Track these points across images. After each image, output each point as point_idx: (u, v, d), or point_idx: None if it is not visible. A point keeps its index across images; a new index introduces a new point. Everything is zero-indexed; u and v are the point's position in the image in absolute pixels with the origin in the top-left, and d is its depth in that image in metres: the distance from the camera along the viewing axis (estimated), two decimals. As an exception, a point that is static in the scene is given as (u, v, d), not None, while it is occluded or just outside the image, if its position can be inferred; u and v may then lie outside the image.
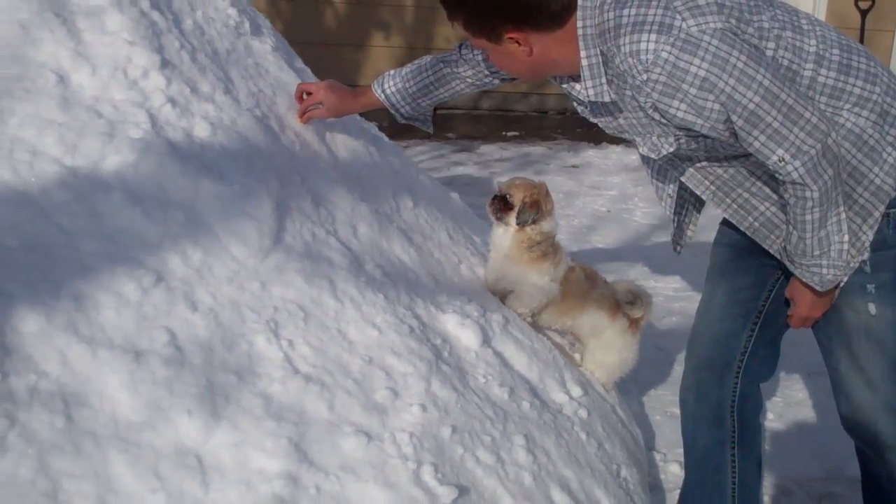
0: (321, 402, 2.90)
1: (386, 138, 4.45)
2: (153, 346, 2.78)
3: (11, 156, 2.98)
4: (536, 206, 3.88)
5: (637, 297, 4.18)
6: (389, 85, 3.75)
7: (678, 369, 5.22)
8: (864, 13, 11.22)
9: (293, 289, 3.16)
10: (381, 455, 2.86)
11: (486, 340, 3.53)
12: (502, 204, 3.91)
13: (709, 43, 2.81)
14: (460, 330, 3.49)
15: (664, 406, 4.90)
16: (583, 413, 3.64)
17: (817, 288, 3.20)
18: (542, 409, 3.46)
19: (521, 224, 3.87)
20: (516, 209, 3.88)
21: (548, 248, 3.95)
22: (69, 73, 3.25)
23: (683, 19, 2.83)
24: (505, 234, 3.93)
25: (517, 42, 3.02)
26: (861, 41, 11.17)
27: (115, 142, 3.13)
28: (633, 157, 9.69)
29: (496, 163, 9.35)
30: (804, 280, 3.20)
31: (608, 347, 4.15)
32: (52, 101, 3.15)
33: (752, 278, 3.56)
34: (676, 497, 3.96)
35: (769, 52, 2.97)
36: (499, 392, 3.37)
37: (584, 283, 4.10)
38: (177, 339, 2.83)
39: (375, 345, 3.17)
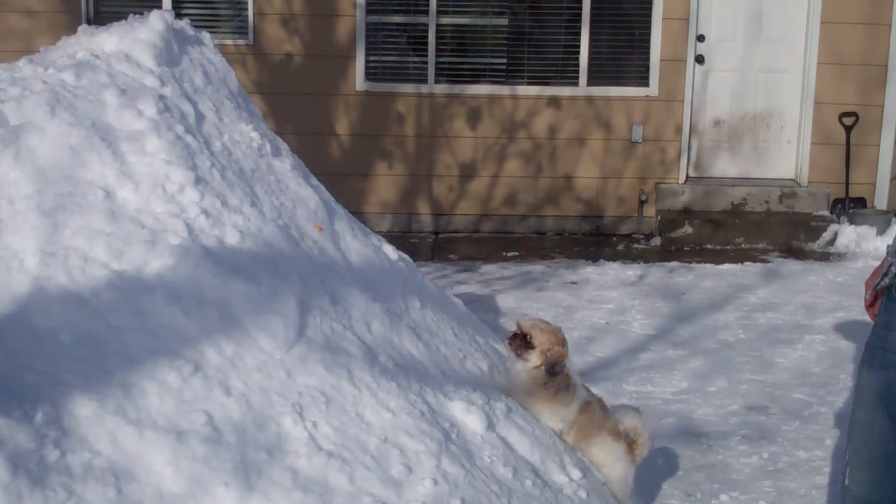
0: (343, 475, 3.21)
1: (393, 248, 4.76)
2: (193, 427, 3.10)
3: (66, 262, 3.33)
4: (561, 359, 4.15)
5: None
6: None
7: (676, 466, 5.47)
8: (848, 129, 11.51)
9: (315, 377, 3.47)
10: (397, 523, 3.17)
11: (490, 425, 3.81)
12: (523, 342, 4.16)
13: None
14: (466, 415, 3.78)
15: (663, 499, 5.08)
16: (582, 494, 3.88)
17: None
18: (543, 488, 3.72)
19: (554, 375, 4.14)
20: (537, 350, 4.13)
21: (560, 385, 4.20)
22: (115, 189, 3.62)
23: None
24: (523, 370, 4.20)
25: None
26: (847, 155, 11.49)
27: (157, 248, 3.48)
28: (629, 273, 9.97)
29: (497, 281, 9.62)
30: None
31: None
32: (100, 214, 3.51)
33: None
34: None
35: None
36: (503, 471, 3.65)
37: (597, 415, 4.34)
38: (213, 420, 3.15)
39: (390, 426, 3.47)
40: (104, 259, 3.39)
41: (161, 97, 3.98)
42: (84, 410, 2.98)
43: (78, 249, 3.38)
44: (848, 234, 10.95)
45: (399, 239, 10.05)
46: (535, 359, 4.15)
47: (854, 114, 11.51)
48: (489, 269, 10.12)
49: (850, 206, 11.41)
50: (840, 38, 11.56)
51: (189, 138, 3.91)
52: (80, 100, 3.82)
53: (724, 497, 5.10)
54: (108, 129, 3.78)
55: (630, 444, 4.38)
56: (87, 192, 3.56)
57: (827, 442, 5.78)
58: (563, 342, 4.22)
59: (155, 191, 3.66)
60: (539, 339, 4.17)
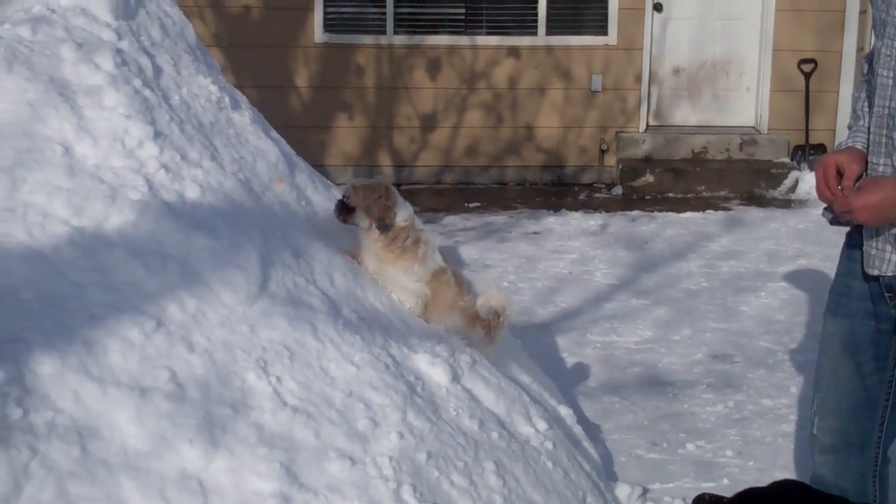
0: (308, 430, 3.19)
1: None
2: (156, 384, 3.07)
3: (25, 219, 3.28)
4: (386, 211, 4.06)
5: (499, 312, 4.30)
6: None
7: (641, 415, 5.51)
8: (807, 76, 11.56)
9: (279, 331, 3.45)
10: (364, 476, 3.15)
11: (455, 378, 3.81)
12: (342, 206, 4.11)
13: None
14: (431, 368, 3.77)
15: (629, 448, 5.13)
16: (549, 445, 3.90)
17: None
18: (510, 440, 3.73)
19: (384, 230, 4.06)
20: (359, 211, 4.06)
21: (407, 242, 4.12)
22: (73, 144, 3.56)
23: None
24: (365, 238, 4.13)
25: None
26: (806, 102, 11.54)
27: (117, 204, 3.43)
28: (591, 223, 10.00)
29: (460, 232, 9.63)
30: None
31: None
32: (59, 170, 3.46)
33: (874, 349, 3.49)
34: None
35: None
36: (469, 424, 3.65)
37: (453, 288, 4.23)
38: (177, 377, 3.12)
39: (355, 380, 3.46)
40: (64, 215, 3.34)
41: (118, 51, 3.92)
42: (46, 368, 2.94)
43: (37, 206, 3.33)
44: (809, 181, 11.03)
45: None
46: (361, 220, 4.09)
47: (813, 60, 11.55)
48: (451, 221, 10.14)
49: (811, 152, 11.48)
50: (798, -15, 11.60)
51: (147, 92, 3.86)
52: (36, 55, 3.76)
53: (690, 446, 5.14)
54: (66, 84, 3.71)
55: (488, 325, 4.28)
56: (45, 148, 3.50)
57: (792, 389, 5.84)
58: (386, 194, 4.09)
59: (114, 145, 3.61)
60: (355, 198, 4.08)
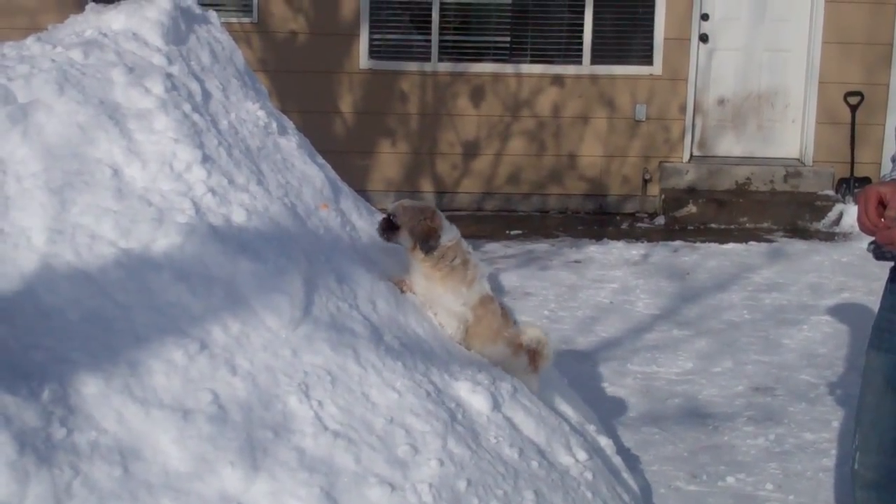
0: (349, 455, 3.20)
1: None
2: (199, 406, 3.10)
3: (73, 239, 3.33)
4: (433, 233, 4.07)
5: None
6: None
7: (681, 447, 5.48)
8: (853, 108, 11.49)
9: (321, 356, 3.47)
10: (403, 503, 3.15)
11: (496, 406, 3.81)
12: (388, 224, 4.12)
13: None
14: (472, 396, 3.77)
15: (668, 480, 5.10)
16: (588, 475, 3.88)
17: None
18: (549, 469, 3.72)
19: (429, 252, 4.06)
20: (404, 231, 4.07)
21: (455, 263, 4.15)
22: (122, 167, 3.62)
23: None
24: (412, 259, 4.14)
25: None
26: (852, 134, 11.47)
27: (164, 226, 3.48)
28: (633, 252, 9.97)
29: (501, 259, 9.63)
30: None
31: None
32: (108, 192, 3.51)
33: None
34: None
35: None
36: (509, 452, 3.65)
37: (499, 317, 4.25)
38: (219, 399, 3.15)
39: (396, 406, 3.47)
40: (111, 237, 3.39)
41: (168, 75, 3.97)
42: (91, 388, 2.98)
43: (85, 227, 3.38)
44: (853, 214, 10.89)
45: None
46: (405, 240, 4.10)
47: (859, 93, 11.49)
48: (492, 248, 10.13)
49: (856, 185, 11.40)
50: (845, 17, 11.54)
51: (196, 117, 3.90)
52: (88, 78, 3.82)
53: (730, 479, 5.11)
54: (116, 107, 3.77)
55: (532, 354, 4.31)
56: (94, 170, 3.55)
57: (834, 424, 5.79)
58: (432, 217, 4.11)
59: (162, 169, 3.66)
60: (403, 217, 4.09)
